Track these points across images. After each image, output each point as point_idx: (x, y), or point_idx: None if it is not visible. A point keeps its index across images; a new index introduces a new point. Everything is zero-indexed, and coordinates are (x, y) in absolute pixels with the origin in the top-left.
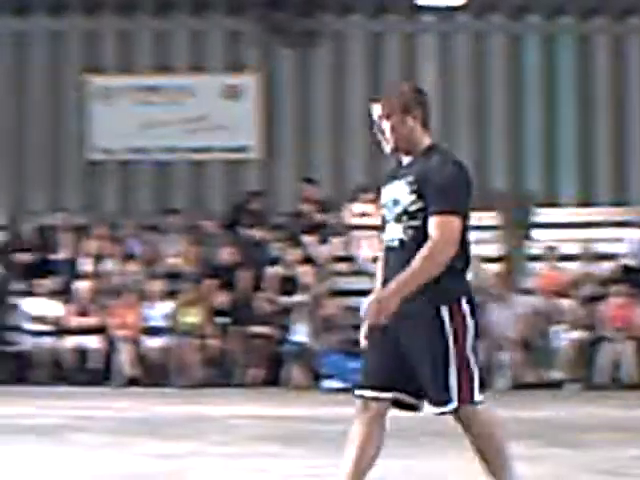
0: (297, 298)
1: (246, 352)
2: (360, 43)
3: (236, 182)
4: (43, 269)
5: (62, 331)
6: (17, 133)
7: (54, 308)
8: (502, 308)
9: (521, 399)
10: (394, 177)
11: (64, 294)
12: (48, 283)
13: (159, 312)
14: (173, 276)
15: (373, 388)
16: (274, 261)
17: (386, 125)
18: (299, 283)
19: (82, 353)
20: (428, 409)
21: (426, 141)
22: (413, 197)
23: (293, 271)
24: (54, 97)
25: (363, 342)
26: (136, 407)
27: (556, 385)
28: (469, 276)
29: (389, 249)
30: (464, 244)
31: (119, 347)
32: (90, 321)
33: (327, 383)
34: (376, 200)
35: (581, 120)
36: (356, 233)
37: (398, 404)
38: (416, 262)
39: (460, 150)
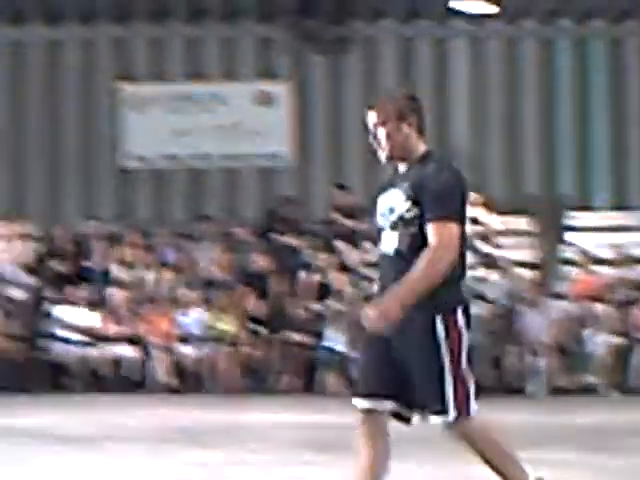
0: (331, 305)
1: (280, 359)
2: (391, 48)
3: (269, 189)
4: (77, 277)
5: (97, 339)
6: (50, 142)
7: (88, 316)
8: (535, 313)
9: (556, 404)
10: (390, 185)
11: (98, 302)
12: (82, 291)
13: (193, 320)
14: (207, 283)
15: (370, 396)
16: (307, 267)
17: (381, 133)
18: (332, 289)
19: (117, 361)
20: (423, 419)
21: (422, 148)
22: (409, 204)
23: (326, 278)
24: (87, 105)
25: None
26: (173, 415)
27: (591, 390)
28: (503, 281)
29: (385, 257)
30: (460, 253)
31: (154, 355)
32: (125, 329)
33: None
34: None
35: (614, 123)
36: None
37: (393, 414)
38: (416, 269)
39: (493, 155)
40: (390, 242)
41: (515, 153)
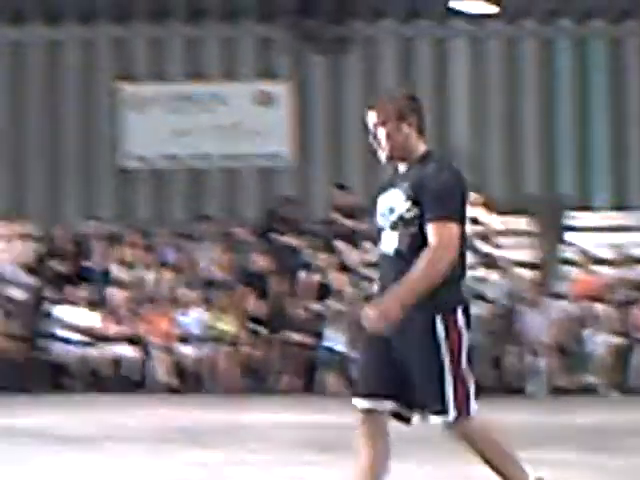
0: (331, 305)
1: (280, 359)
2: (391, 48)
3: (269, 189)
4: (77, 277)
5: (97, 339)
6: (50, 142)
7: (88, 316)
8: (535, 313)
9: (556, 404)
10: (390, 185)
11: (98, 302)
12: (82, 291)
13: (193, 320)
14: (207, 283)
15: (370, 396)
16: (307, 267)
17: (381, 133)
18: (332, 290)
19: (117, 361)
20: (423, 419)
21: (421, 148)
22: (409, 204)
23: (326, 278)
24: (87, 105)
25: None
26: (173, 415)
27: (591, 390)
28: (503, 281)
29: (385, 257)
30: (460, 253)
31: (154, 355)
32: (125, 329)
33: None
34: None
35: (614, 123)
36: None
37: (393, 414)
38: (416, 269)
39: (493, 155)
40: (390, 242)
41: (515, 153)
